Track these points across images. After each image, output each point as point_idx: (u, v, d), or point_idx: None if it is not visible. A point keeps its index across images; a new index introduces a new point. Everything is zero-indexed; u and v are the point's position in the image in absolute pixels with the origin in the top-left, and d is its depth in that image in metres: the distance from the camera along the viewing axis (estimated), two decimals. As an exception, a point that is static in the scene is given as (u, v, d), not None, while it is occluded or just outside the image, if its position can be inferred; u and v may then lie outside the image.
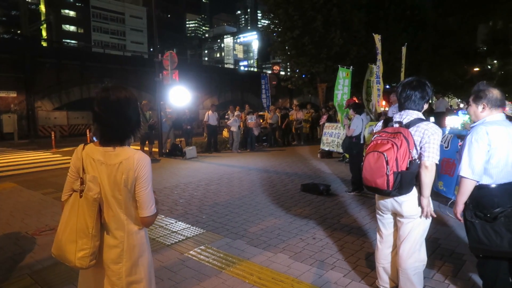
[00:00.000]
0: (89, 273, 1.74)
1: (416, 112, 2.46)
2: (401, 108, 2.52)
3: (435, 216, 2.45)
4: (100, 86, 1.68)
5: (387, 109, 10.55)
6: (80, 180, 1.66)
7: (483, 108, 2.38)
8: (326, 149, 10.23)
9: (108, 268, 1.68)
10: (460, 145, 4.85)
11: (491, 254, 2.30)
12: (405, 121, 2.44)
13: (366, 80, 10.81)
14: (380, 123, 2.72)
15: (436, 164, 2.33)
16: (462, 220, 2.40)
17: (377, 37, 9.82)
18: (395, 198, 2.42)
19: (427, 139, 2.32)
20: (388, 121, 2.58)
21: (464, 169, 2.27)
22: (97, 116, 1.66)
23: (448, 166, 4.86)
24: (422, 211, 2.41)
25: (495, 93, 2.36)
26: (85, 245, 1.59)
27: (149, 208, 1.68)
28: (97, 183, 1.65)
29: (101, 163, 1.65)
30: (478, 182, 2.28)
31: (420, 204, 2.41)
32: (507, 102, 4.06)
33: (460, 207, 2.36)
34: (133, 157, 1.65)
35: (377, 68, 9.80)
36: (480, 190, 2.31)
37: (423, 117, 2.46)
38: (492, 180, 2.29)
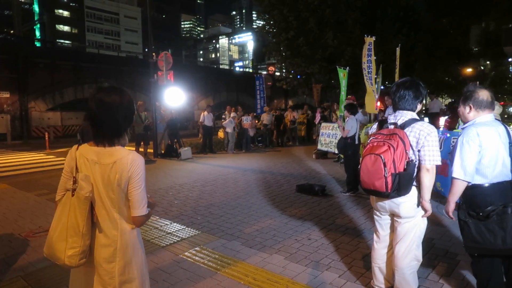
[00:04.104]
0: (80, 273, 1.74)
1: (410, 112, 2.48)
2: (395, 108, 2.54)
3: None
4: (96, 86, 1.74)
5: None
6: (73, 179, 1.66)
7: (470, 109, 2.41)
8: (325, 149, 10.23)
9: (101, 267, 1.67)
10: (452, 147, 4.91)
11: (486, 252, 2.32)
12: (399, 122, 2.45)
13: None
14: (375, 125, 2.74)
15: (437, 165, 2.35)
16: (454, 218, 2.43)
17: (368, 40, 9.76)
18: (393, 199, 2.42)
19: (423, 140, 2.33)
20: (383, 123, 2.60)
21: (457, 171, 2.30)
22: (91, 115, 1.69)
23: (443, 166, 4.90)
24: (425, 214, 2.44)
25: (481, 94, 2.39)
26: (75, 244, 1.58)
27: (141, 208, 1.69)
28: (89, 182, 1.65)
29: (95, 163, 1.67)
30: (469, 182, 2.31)
31: (419, 206, 2.43)
32: (497, 103, 4.12)
33: (451, 206, 2.40)
34: (127, 157, 1.67)
35: (369, 69, 9.79)
36: (473, 190, 2.34)
37: (417, 117, 2.48)
38: (485, 180, 2.32)
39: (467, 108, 2.42)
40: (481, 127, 2.31)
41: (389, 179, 2.26)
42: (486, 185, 2.31)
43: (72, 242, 1.58)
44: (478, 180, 2.33)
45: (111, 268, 1.67)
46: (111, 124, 1.68)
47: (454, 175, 2.31)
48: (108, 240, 1.68)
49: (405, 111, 2.48)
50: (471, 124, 2.39)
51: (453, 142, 4.94)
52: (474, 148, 2.27)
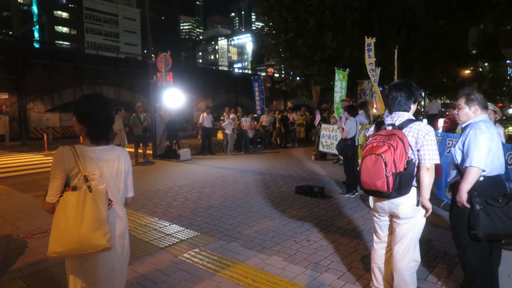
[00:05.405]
0: (86, 260, 1.86)
1: (406, 113, 2.50)
2: (389, 110, 2.56)
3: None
4: (83, 95, 2.02)
5: (374, 110, 10.61)
6: (84, 177, 1.82)
7: (475, 110, 2.60)
8: (326, 151, 10.23)
9: (119, 243, 1.95)
10: (447, 148, 4.91)
11: (496, 237, 2.45)
12: (397, 123, 2.47)
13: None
14: (372, 127, 2.76)
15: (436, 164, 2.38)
16: (469, 207, 2.46)
17: (368, 41, 9.76)
18: (392, 200, 2.43)
19: (422, 140, 2.35)
20: (380, 124, 2.61)
21: (475, 159, 2.40)
22: (90, 118, 1.90)
23: (436, 168, 4.91)
24: (426, 213, 2.46)
25: (481, 96, 2.63)
26: (106, 230, 1.80)
27: (133, 189, 2.12)
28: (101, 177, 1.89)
29: (99, 160, 1.90)
30: (484, 170, 2.42)
31: (418, 206, 2.43)
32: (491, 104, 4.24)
33: (465, 196, 2.45)
34: (124, 151, 2.06)
35: (373, 71, 9.79)
36: (483, 180, 2.47)
37: (413, 118, 2.50)
38: (487, 172, 2.46)
39: (473, 109, 2.60)
40: (486, 123, 2.51)
41: (390, 179, 2.27)
42: (489, 176, 2.46)
43: (104, 229, 1.80)
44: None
45: (125, 243, 2.00)
46: (110, 126, 2.00)
47: (472, 163, 2.40)
48: (121, 221, 1.98)
49: (401, 112, 2.50)
50: (476, 121, 2.56)
51: (448, 144, 4.95)
52: (487, 140, 2.42)
